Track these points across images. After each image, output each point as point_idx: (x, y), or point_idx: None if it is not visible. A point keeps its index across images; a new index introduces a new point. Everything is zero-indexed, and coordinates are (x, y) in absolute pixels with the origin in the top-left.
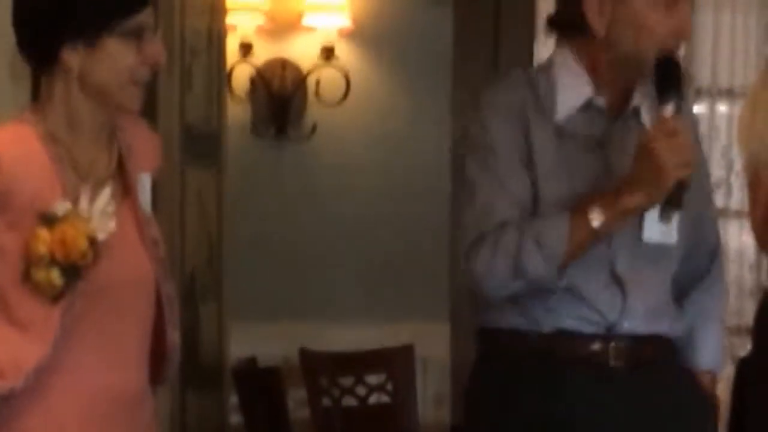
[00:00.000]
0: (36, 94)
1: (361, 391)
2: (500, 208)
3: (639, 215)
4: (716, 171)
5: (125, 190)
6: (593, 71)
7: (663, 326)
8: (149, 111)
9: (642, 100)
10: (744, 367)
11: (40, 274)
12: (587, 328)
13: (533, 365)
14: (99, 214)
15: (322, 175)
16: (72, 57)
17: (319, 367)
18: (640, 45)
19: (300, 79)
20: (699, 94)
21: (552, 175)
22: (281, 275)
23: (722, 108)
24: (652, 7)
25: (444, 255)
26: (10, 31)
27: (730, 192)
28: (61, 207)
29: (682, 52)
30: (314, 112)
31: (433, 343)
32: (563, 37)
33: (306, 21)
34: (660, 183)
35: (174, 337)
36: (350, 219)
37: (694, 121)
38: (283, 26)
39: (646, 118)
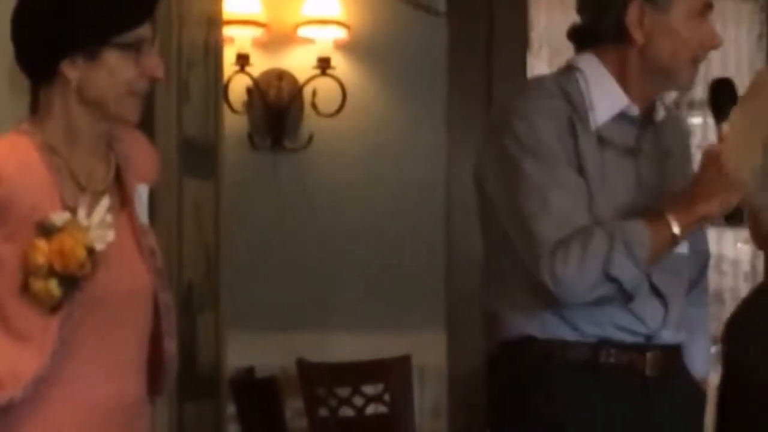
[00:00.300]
0: (34, 107)
1: (358, 401)
2: (577, 214)
3: (710, 223)
4: None
5: (123, 200)
6: (623, 80)
7: (683, 336)
8: (147, 122)
9: (660, 110)
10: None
11: (38, 285)
12: (630, 338)
13: (576, 373)
14: (97, 224)
15: (318, 185)
16: (71, 70)
17: (316, 377)
18: (677, 55)
19: (296, 90)
20: (692, 106)
21: (599, 183)
22: (278, 286)
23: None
24: (689, 18)
25: (440, 265)
26: (9, 44)
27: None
28: (60, 217)
29: None
30: (311, 122)
31: (429, 354)
32: (589, 47)
33: (302, 33)
34: (730, 193)
35: (171, 347)
36: (347, 229)
37: (686, 132)
38: (279, 38)
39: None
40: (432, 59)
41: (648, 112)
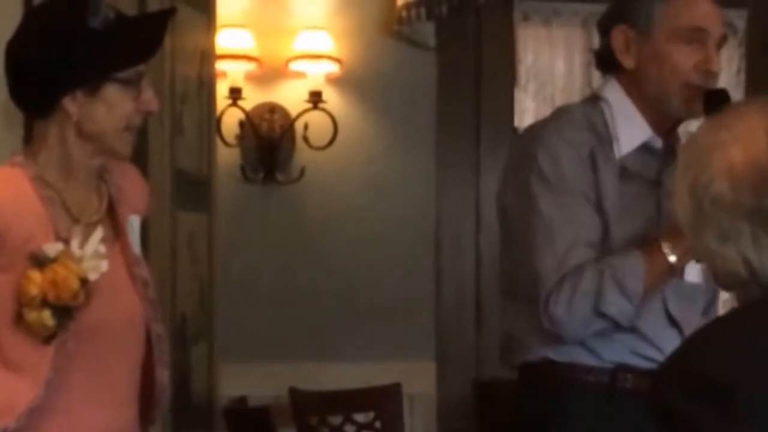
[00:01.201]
0: (28, 139)
1: (350, 429)
2: (579, 251)
3: None
4: None
5: (116, 231)
6: (641, 109)
7: None
8: (140, 155)
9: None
10: None
11: (32, 315)
12: (645, 364)
13: (594, 398)
14: (90, 255)
15: (310, 217)
16: (71, 104)
17: (308, 406)
18: (664, 80)
19: (288, 124)
20: None
21: (618, 215)
22: (271, 317)
23: None
24: (675, 41)
25: (430, 295)
26: (3, 78)
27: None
28: (53, 248)
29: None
30: (302, 155)
31: (419, 382)
32: (610, 74)
33: (294, 67)
34: None
35: (163, 376)
36: (338, 260)
37: None
38: (271, 72)
39: None
40: (421, 93)
41: (671, 142)
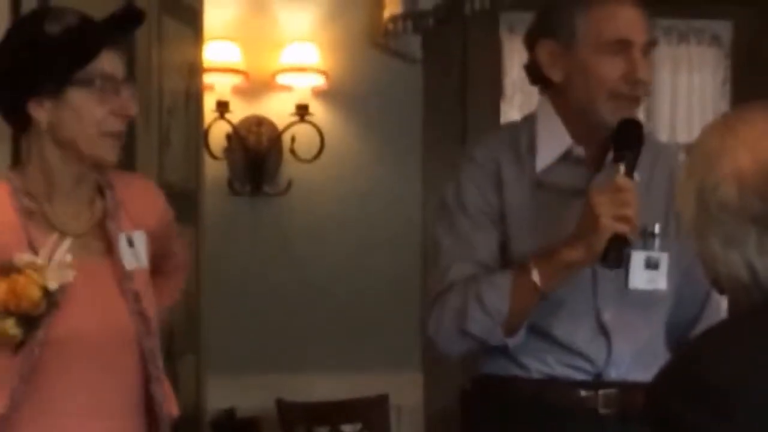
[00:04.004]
0: (16, 155)
1: None
2: (457, 270)
3: (582, 269)
4: None
5: (108, 245)
6: (569, 122)
7: (651, 374)
8: (128, 168)
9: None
10: None
11: None
12: (577, 376)
13: (525, 411)
14: (55, 264)
15: (297, 230)
16: (39, 112)
17: (296, 417)
18: (591, 92)
19: (275, 137)
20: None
21: (527, 230)
22: (258, 328)
23: (681, 161)
24: (598, 54)
25: (416, 307)
26: None
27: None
28: (21, 258)
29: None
30: (289, 168)
31: (406, 392)
32: (541, 88)
33: (281, 80)
34: (595, 235)
35: (157, 392)
36: (325, 272)
37: (671, 167)
38: (258, 85)
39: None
40: (408, 106)
41: (601, 154)
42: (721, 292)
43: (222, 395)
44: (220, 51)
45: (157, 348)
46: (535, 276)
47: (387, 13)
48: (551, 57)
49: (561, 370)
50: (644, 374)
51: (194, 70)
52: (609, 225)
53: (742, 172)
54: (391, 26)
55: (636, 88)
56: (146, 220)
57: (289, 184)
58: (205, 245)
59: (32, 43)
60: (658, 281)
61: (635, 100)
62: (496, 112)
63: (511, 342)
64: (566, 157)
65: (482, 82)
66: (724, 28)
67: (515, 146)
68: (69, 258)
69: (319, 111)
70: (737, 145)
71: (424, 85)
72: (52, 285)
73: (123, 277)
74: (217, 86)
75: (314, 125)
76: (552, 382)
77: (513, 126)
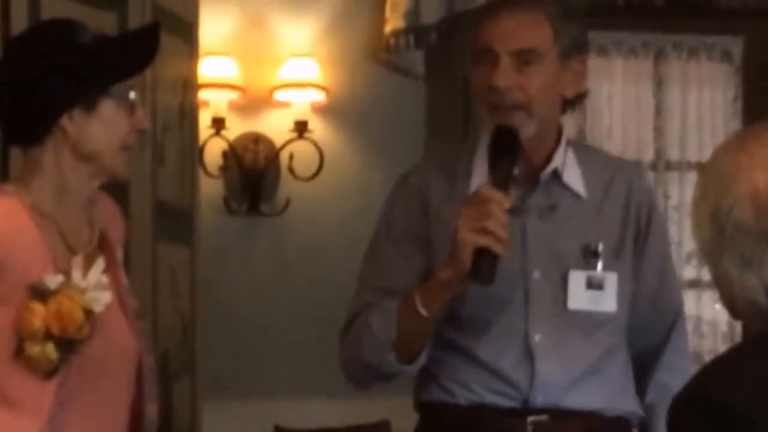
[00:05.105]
0: (3, 170)
1: None
2: (364, 298)
3: (456, 291)
4: (688, 243)
5: (108, 261)
6: None
7: (596, 401)
8: (121, 187)
9: (562, 164)
10: None
11: (35, 349)
12: (504, 402)
13: None
14: (93, 285)
15: (295, 250)
16: (69, 124)
17: None
18: (478, 104)
19: (273, 154)
20: (669, 167)
21: None
22: (255, 352)
23: (691, 180)
24: (472, 65)
25: None
26: None
27: (703, 263)
28: (53, 280)
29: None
30: (287, 187)
31: (408, 418)
32: None
33: (279, 96)
34: (454, 249)
35: (152, 411)
36: (323, 294)
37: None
38: (255, 101)
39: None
40: (409, 122)
41: (535, 169)
42: (736, 317)
43: (217, 421)
44: (215, 66)
45: (153, 366)
46: (417, 299)
47: (389, 28)
48: None
49: (488, 397)
50: (584, 401)
51: (189, 85)
52: (468, 238)
53: (758, 192)
54: (393, 41)
55: (498, 97)
56: (119, 236)
57: (287, 204)
58: (199, 266)
59: (66, 51)
60: (603, 302)
61: (504, 108)
62: None
63: (410, 369)
64: None
65: None
66: (734, 44)
67: (450, 167)
68: (105, 279)
69: (318, 128)
70: (752, 164)
71: (426, 100)
72: (97, 307)
73: (124, 293)
74: (212, 102)
75: (313, 142)
76: (479, 409)
77: (456, 147)
